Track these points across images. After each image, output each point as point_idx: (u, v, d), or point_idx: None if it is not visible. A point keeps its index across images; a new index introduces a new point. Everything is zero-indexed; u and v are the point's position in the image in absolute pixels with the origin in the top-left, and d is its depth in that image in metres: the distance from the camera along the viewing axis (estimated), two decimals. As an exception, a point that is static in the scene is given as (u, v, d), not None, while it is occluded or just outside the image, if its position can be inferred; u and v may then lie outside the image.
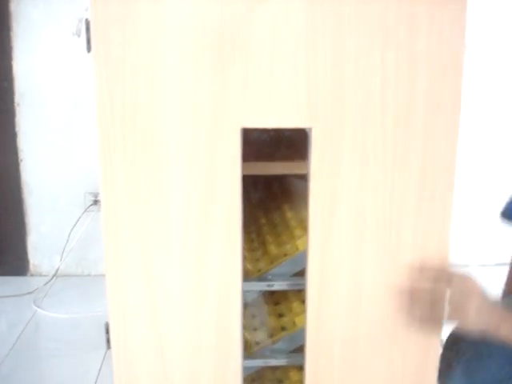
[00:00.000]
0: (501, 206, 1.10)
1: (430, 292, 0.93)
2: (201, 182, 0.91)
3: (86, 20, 0.89)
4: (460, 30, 0.88)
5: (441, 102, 0.89)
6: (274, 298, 1.31)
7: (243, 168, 0.91)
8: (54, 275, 2.54)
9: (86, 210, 2.49)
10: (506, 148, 2.64)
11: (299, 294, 1.21)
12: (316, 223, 0.92)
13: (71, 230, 2.49)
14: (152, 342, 1.00)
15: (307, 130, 0.90)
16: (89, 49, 0.90)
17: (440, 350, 1.04)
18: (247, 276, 1.13)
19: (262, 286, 1.15)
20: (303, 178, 0.95)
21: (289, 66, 0.87)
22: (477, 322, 0.91)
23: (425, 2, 0.86)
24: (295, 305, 1.18)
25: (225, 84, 0.87)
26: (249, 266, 1.17)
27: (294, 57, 0.87)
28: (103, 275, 0.99)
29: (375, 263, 0.94)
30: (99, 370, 1.92)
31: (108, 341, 1.03)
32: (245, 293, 1.00)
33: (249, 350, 1.16)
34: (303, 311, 1.13)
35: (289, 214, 1.25)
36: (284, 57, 0.87)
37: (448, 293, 0.92)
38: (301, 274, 1.09)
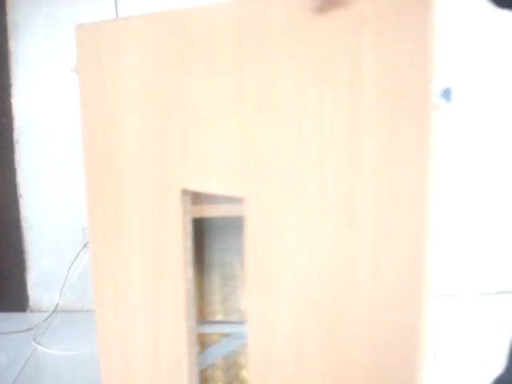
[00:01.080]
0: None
1: None
2: (154, 238, 0.92)
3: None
4: (423, 70, 0.58)
5: (396, 164, 0.63)
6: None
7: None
8: (54, 311, 2.54)
9: (85, 246, 2.49)
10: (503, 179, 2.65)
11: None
12: (253, 293, 0.80)
13: (70, 265, 2.49)
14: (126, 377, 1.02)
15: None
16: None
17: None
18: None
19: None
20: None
21: (220, 133, 0.80)
22: None
23: (370, 31, 0.61)
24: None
25: (168, 147, 0.87)
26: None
27: (224, 123, 0.80)
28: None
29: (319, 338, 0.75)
30: (100, 408, 1.90)
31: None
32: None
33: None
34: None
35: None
36: (216, 123, 0.81)
37: None
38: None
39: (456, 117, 2.56)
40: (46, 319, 2.49)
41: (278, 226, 0.74)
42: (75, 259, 2.49)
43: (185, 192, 0.85)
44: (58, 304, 2.55)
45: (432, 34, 0.57)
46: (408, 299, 0.61)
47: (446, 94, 0.57)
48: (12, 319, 2.51)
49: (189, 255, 0.88)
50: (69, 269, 2.50)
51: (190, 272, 0.89)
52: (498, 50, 2.53)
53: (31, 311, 2.63)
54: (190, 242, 0.88)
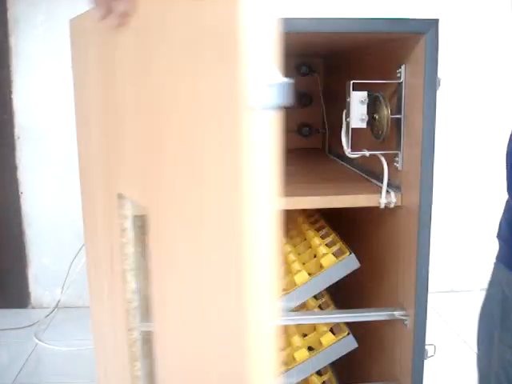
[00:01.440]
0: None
1: None
2: (108, 244, 0.90)
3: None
4: (236, 67, 0.44)
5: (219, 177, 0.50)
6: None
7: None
8: (55, 307, 2.54)
9: (86, 242, 2.50)
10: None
11: (298, 327, 1.21)
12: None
13: (72, 261, 2.49)
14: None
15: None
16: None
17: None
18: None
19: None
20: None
21: (130, 136, 0.73)
22: None
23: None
24: (295, 339, 1.18)
25: (107, 149, 0.84)
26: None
27: (133, 126, 0.72)
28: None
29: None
30: (101, 404, 1.91)
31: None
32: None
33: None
34: (303, 345, 1.13)
35: (287, 248, 1.26)
36: (129, 125, 0.74)
37: None
38: (300, 307, 1.10)
39: (449, 114, 2.56)
40: (48, 315, 2.50)
41: (164, 241, 0.67)
42: (76, 255, 2.49)
43: (120, 196, 0.79)
44: (59, 300, 2.56)
45: (247, 25, 0.43)
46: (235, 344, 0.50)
47: (275, 92, 0.44)
48: (13, 316, 2.52)
49: (129, 263, 0.80)
50: (70, 265, 2.50)
51: (130, 281, 0.82)
52: (495, 47, 2.53)
53: (32, 308, 2.64)
54: (129, 250, 0.80)
